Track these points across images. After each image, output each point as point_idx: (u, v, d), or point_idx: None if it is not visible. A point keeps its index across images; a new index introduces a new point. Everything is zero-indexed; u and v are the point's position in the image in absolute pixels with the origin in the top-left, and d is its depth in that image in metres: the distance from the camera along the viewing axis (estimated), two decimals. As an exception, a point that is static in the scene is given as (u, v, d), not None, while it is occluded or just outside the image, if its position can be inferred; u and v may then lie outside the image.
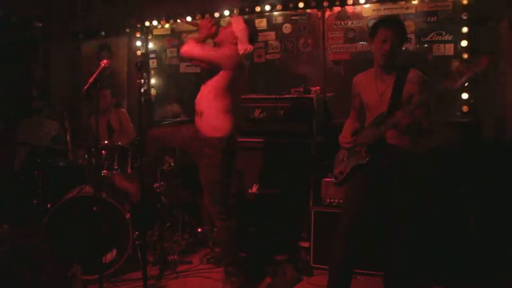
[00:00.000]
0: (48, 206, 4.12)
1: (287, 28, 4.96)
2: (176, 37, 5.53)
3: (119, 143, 4.11)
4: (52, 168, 4.36)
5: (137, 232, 3.85)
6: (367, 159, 2.90)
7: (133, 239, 3.78)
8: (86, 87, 3.15)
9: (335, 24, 4.75)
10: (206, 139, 3.33)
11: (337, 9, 4.71)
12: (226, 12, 5.14)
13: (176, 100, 5.53)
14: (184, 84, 5.45)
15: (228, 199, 3.44)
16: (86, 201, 3.74)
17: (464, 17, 4.20)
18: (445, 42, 4.31)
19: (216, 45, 3.45)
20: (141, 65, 3.24)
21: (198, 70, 5.12)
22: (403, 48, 3.93)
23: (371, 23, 3.74)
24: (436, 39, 4.34)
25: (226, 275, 3.45)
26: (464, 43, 4.20)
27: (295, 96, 4.32)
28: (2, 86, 5.96)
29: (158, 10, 5.51)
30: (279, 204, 4.16)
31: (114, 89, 5.14)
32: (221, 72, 3.26)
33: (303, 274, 3.78)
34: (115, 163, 4.02)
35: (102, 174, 3.95)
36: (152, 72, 5.68)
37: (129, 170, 4.09)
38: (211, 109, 3.32)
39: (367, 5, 4.58)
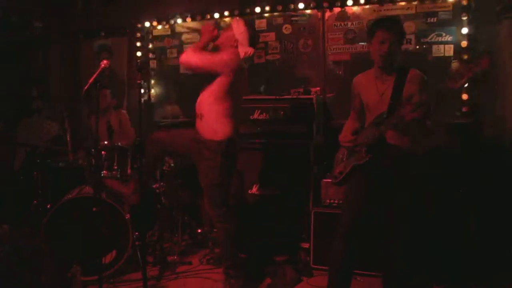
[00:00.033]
0: (48, 206, 4.12)
1: (287, 29, 4.96)
2: (176, 38, 5.52)
3: (119, 143, 4.10)
4: (52, 168, 4.35)
5: (136, 233, 3.85)
6: (367, 159, 2.90)
7: (133, 240, 3.78)
8: (86, 87, 3.15)
9: (335, 25, 4.75)
10: (205, 142, 3.33)
11: (337, 10, 4.71)
12: (226, 13, 5.14)
13: (176, 101, 5.53)
14: (184, 84, 5.45)
15: (227, 201, 3.44)
16: (86, 202, 3.75)
17: (464, 18, 4.20)
18: (445, 43, 4.32)
19: (216, 48, 3.45)
20: (141, 66, 3.25)
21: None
22: (403, 48, 3.96)
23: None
24: (436, 40, 4.35)
25: (226, 276, 3.46)
26: (464, 44, 4.20)
27: (295, 96, 4.32)
28: (2, 86, 5.96)
29: (158, 11, 5.51)
30: (279, 204, 4.17)
31: (114, 89, 5.13)
32: (220, 77, 3.27)
33: (303, 275, 3.78)
34: (115, 164, 4.01)
35: (102, 174, 3.94)
36: (152, 72, 5.67)
37: (129, 171, 4.08)
38: (211, 112, 3.33)
39: (367, 6, 4.58)
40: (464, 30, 4.19)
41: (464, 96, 4.19)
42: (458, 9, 4.24)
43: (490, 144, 4.09)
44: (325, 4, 4.69)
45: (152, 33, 5.65)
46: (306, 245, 4.00)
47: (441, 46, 4.33)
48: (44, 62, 6.00)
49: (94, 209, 3.34)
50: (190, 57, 3.32)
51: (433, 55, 4.35)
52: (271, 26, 5.02)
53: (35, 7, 5.88)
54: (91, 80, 3.13)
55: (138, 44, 5.67)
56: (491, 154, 3.96)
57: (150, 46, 5.66)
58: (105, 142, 4.02)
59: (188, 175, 4.21)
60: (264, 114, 4.32)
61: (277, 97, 4.33)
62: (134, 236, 3.82)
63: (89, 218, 3.59)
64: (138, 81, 3.21)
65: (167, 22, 5.51)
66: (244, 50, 3.33)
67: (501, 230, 3.68)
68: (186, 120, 4.59)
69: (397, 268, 2.97)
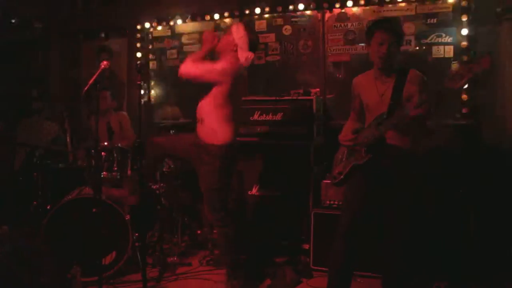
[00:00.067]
0: (48, 207, 4.12)
1: (287, 30, 4.96)
2: (176, 39, 5.53)
3: (119, 144, 4.10)
4: (51, 169, 4.35)
5: (136, 234, 3.85)
6: (367, 159, 2.90)
7: (132, 241, 3.78)
8: (86, 88, 3.15)
9: (335, 26, 4.75)
10: (205, 146, 3.32)
11: (337, 11, 4.71)
12: (226, 14, 5.15)
13: (176, 102, 5.53)
14: (184, 86, 5.43)
15: (226, 206, 3.44)
16: (86, 203, 3.75)
17: (464, 19, 4.19)
18: (444, 44, 4.31)
19: (217, 54, 3.44)
20: (141, 67, 3.24)
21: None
22: (402, 49, 3.96)
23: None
24: (436, 41, 4.34)
25: (227, 277, 3.46)
26: (463, 45, 4.20)
27: (295, 98, 4.33)
28: (2, 86, 5.97)
29: (158, 12, 5.52)
30: (279, 206, 4.17)
31: (114, 90, 5.13)
32: (220, 85, 3.26)
33: (302, 276, 3.78)
34: (114, 165, 4.01)
35: (102, 175, 3.94)
36: (152, 73, 5.68)
37: (129, 172, 4.08)
38: (211, 117, 3.32)
39: (367, 7, 4.58)
40: (464, 31, 4.19)
41: (464, 97, 4.19)
42: (458, 10, 4.24)
43: (490, 144, 4.09)
44: (325, 5, 4.69)
45: (152, 34, 5.65)
46: (306, 246, 4.00)
47: (441, 47, 4.33)
48: (44, 63, 6.01)
49: (94, 210, 3.35)
50: (189, 68, 3.32)
51: (433, 56, 4.35)
52: (271, 27, 5.02)
53: (35, 8, 5.88)
54: (91, 81, 3.13)
55: (138, 45, 5.67)
56: (491, 154, 3.96)
57: (150, 47, 5.66)
58: (105, 143, 4.02)
59: (188, 176, 4.21)
60: (264, 115, 4.33)
61: (277, 98, 4.33)
62: (134, 237, 3.81)
63: (89, 219, 3.59)
64: (138, 82, 3.21)
65: (167, 23, 5.51)
66: (244, 55, 3.32)
67: (501, 230, 3.69)
68: (186, 121, 4.59)
69: (397, 269, 2.97)
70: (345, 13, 4.69)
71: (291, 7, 4.84)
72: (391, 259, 2.97)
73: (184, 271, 3.97)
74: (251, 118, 4.34)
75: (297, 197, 4.11)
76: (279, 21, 4.98)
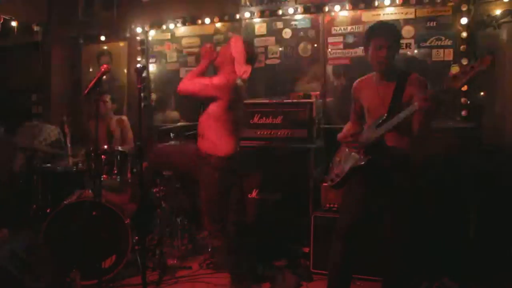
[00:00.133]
0: (48, 211, 4.12)
1: (286, 33, 4.97)
2: (176, 42, 5.54)
3: (119, 147, 4.10)
4: (51, 173, 4.35)
5: (136, 237, 3.85)
6: (366, 160, 2.89)
7: (132, 244, 3.78)
8: (86, 92, 3.15)
9: (334, 29, 4.76)
10: (206, 157, 3.31)
11: (336, 14, 4.72)
12: (226, 17, 5.16)
13: (176, 105, 5.54)
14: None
15: (226, 217, 3.43)
16: (86, 206, 3.74)
17: (464, 22, 4.20)
18: (444, 47, 4.32)
19: (215, 68, 3.44)
20: (141, 70, 3.24)
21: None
22: (402, 53, 3.97)
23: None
24: (436, 44, 4.35)
25: (231, 281, 3.46)
26: (463, 48, 4.20)
27: (294, 101, 4.33)
28: (2, 90, 5.97)
29: (158, 16, 5.53)
30: (279, 209, 4.16)
31: (114, 94, 5.14)
32: (217, 101, 3.26)
33: (302, 280, 3.77)
34: (114, 168, 4.01)
35: (102, 179, 3.94)
36: (152, 77, 5.68)
37: (128, 175, 4.08)
38: (212, 132, 3.31)
39: (367, 11, 4.59)
40: (464, 34, 4.20)
41: (464, 100, 4.19)
42: (457, 13, 4.25)
43: (490, 146, 4.09)
44: (324, 9, 4.70)
45: (152, 37, 5.66)
46: (306, 250, 3.99)
47: (441, 50, 4.33)
48: (44, 67, 6.01)
49: (93, 213, 3.34)
50: (187, 85, 3.33)
51: (433, 59, 4.36)
52: (271, 30, 5.03)
53: (36, 12, 5.89)
54: (91, 85, 3.13)
55: (138, 48, 5.68)
56: (491, 155, 3.96)
57: (150, 50, 5.67)
58: (105, 147, 4.02)
59: (188, 180, 4.21)
60: (264, 118, 4.33)
61: (277, 101, 4.33)
62: (134, 241, 3.81)
63: (89, 223, 3.58)
64: (138, 86, 3.21)
65: (167, 27, 5.51)
66: (241, 69, 3.32)
67: (501, 230, 3.68)
68: (185, 124, 4.58)
69: (397, 270, 2.96)
70: (344, 17, 4.70)
71: (291, 10, 4.84)
72: (391, 260, 2.96)
73: (184, 275, 3.96)
74: (251, 122, 4.34)
75: (297, 200, 4.11)
76: (279, 24, 4.98)
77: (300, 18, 4.90)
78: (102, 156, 3.95)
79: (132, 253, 3.79)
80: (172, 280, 3.85)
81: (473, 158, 3.94)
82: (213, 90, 3.25)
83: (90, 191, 3.94)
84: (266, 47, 5.04)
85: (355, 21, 4.67)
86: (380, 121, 2.83)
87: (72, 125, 4.79)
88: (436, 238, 3.65)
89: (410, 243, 2.93)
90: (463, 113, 4.20)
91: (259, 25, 5.07)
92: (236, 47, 3.35)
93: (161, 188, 4.37)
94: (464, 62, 4.15)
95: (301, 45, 4.91)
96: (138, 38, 5.66)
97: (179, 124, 4.61)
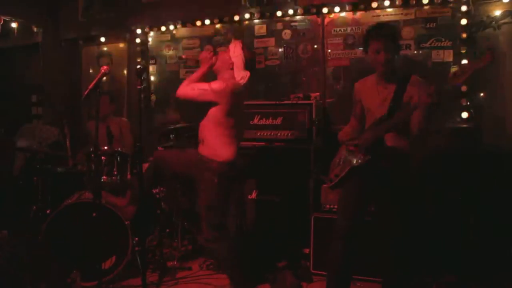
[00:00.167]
0: (48, 212, 4.11)
1: (286, 34, 4.97)
2: (176, 43, 5.54)
3: (119, 149, 4.10)
4: (51, 174, 4.35)
5: (136, 238, 3.84)
6: (365, 160, 2.89)
7: (132, 245, 3.77)
8: (86, 92, 3.15)
9: (334, 30, 4.76)
10: (207, 162, 3.31)
11: (336, 15, 4.73)
12: (226, 18, 5.16)
13: (176, 106, 5.54)
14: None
15: (224, 224, 3.43)
16: (86, 207, 3.74)
17: (463, 23, 4.21)
18: (444, 48, 4.33)
19: (215, 73, 3.44)
20: (141, 71, 3.24)
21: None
22: (402, 53, 3.97)
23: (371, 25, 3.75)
24: (436, 45, 4.36)
25: (230, 283, 3.47)
26: (463, 49, 4.21)
27: (294, 102, 4.33)
28: (2, 91, 5.97)
29: (158, 16, 5.53)
30: (279, 210, 4.16)
31: (114, 95, 5.14)
32: (217, 105, 3.26)
33: (303, 281, 3.77)
34: (114, 169, 4.01)
35: (102, 180, 3.94)
36: (152, 78, 5.69)
37: (128, 176, 4.08)
38: (211, 138, 3.32)
39: (366, 12, 4.60)
40: (464, 35, 4.20)
41: (464, 101, 4.20)
42: (457, 14, 4.25)
43: (490, 146, 4.10)
44: (324, 10, 4.70)
45: (152, 38, 5.67)
46: (306, 251, 3.99)
47: (441, 52, 4.34)
48: (44, 68, 6.01)
49: (93, 214, 3.34)
50: (186, 91, 3.33)
51: (433, 60, 4.37)
52: (271, 31, 5.04)
53: (36, 13, 5.89)
54: (91, 86, 3.12)
55: (138, 49, 5.68)
56: (490, 155, 3.96)
57: (150, 51, 5.67)
58: (105, 148, 4.02)
59: (188, 181, 4.21)
60: (264, 119, 4.33)
61: (277, 102, 4.33)
62: (134, 242, 3.80)
63: (89, 224, 3.58)
64: (138, 87, 3.21)
65: (167, 28, 5.52)
66: (240, 74, 3.31)
67: (501, 230, 3.68)
68: (185, 125, 4.58)
69: (397, 270, 2.96)
70: (344, 18, 4.71)
71: (291, 11, 4.84)
72: (391, 260, 2.96)
73: (184, 276, 3.96)
74: (251, 122, 4.35)
75: (297, 201, 4.10)
76: (279, 25, 4.99)
77: (300, 19, 4.90)
78: (102, 157, 3.95)
79: (132, 254, 3.79)
80: (172, 281, 3.85)
81: (473, 158, 3.94)
82: (211, 95, 3.24)
83: (90, 192, 3.94)
84: (266, 48, 5.05)
85: (355, 22, 4.67)
86: (381, 121, 2.84)
87: (72, 126, 4.79)
88: (436, 238, 3.65)
89: (410, 243, 2.94)
90: (463, 114, 4.21)
91: (259, 26, 5.07)
92: (235, 51, 3.35)
93: (161, 189, 4.37)
94: (464, 63, 4.15)
95: (301, 46, 4.91)
96: (138, 39, 5.66)
97: (179, 125, 4.62)
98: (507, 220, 3.66)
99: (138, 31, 5.63)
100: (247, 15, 5.03)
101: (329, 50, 4.79)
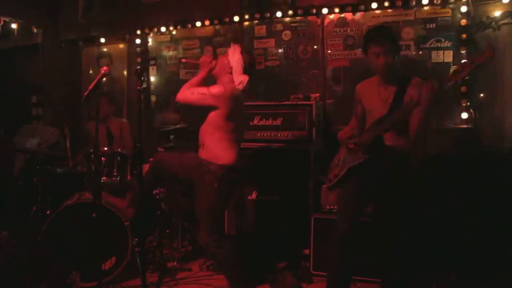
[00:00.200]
0: (48, 213, 4.11)
1: (286, 35, 4.98)
2: (175, 44, 5.54)
3: (119, 149, 4.10)
4: (51, 174, 4.35)
5: (136, 239, 3.84)
6: (364, 159, 2.89)
7: (132, 246, 3.77)
8: (85, 94, 3.15)
9: (334, 31, 4.76)
10: (207, 165, 3.30)
11: (336, 16, 4.73)
12: (226, 19, 5.16)
13: (176, 107, 5.54)
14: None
15: (222, 229, 3.42)
16: (86, 208, 3.74)
17: (463, 24, 4.21)
18: (444, 48, 4.33)
19: (214, 77, 3.43)
20: (141, 72, 3.24)
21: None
22: (402, 54, 3.97)
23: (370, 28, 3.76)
24: (435, 45, 4.36)
25: (229, 282, 3.47)
26: (463, 49, 4.21)
27: (294, 103, 4.34)
28: (2, 92, 5.97)
29: (158, 17, 5.53)
30: (279, 210, 4.16)
31: (113, 95, 5.14)
32: (217, 110, 3.25)
33: (302, 281, 3.77)
34: (114, 170, 4.01)
35: (102, 180, 3.94)
36: (152, 78, 5.69)
37: (128, 177, 4.08)
38: (211, 142, 3.31)
39: (366, 12, 4.60)
40: (463, 36, 4.21)
41: (464, 102, 4.20)
42: (457, 15, 4.26)
43: (490, 147, 4.10)
44: (324, 10, 4.71)
45: (151, 39, 5.67)
46: (306, 251, 3.99)
47: (440, 52, 4.34)
48: (44, 69, 6.01)
49: (93, 215, 3.34)
50: (186, 95, 3.33)
51: (433, 61, 4.37)
52: (271, 32, 5.04)
53: (36, 14, 5.89)
54: (91, 87, 3.12)
55: (138, 50, 5.68)
56: (490, 156, 3.97)
57: (150, 52, 5.67)
58: (105, 148, 4.02)
59: (188, 182, 4.20)
60: (264, 120, 4.34)
61: (277, 103, 4.34)
62: (134, 242, 3.80)
63: (89, 224, 3.57)
64: (138, 87, 3.21)
65: (167, 29, 5.52)
66: (239, 78, 3.30)
67: (501, 230, 3.69)
68: (185, 126, 4.59)
69: (397, 270, 2.96)
70: (344, 18, 4.71)
71: (290, 12, 4.85)
72: (390, 260, 2.96)
73: (184, 276, 3.96)
74: (250, 123, 4.35)
75: (297, 202, 4.10)
76: (279, 26, 4.99)
77: (300, 20, 4.90)
78: (102, 158, 3.95)
79: (132, 255, 3.79)
80: (172, 282, 3.85)
81: (473, 158, 3.94)
82: (211, 99, 3.23)
83: (89, 193, 3.94)
84: (266, 49, 5.05)
85: (355, 23, 4.68)
86: (380, 121, 2.85)
87: (72, 127, 4.78)
88: (436, 238, 3.65)
89: (409, 243, 2.94)
90: (463, 114, 4.21)
91: (259, 27, 5.07)
92: (234, 56, 3.34)
93: (161, 190, 4.37)
94: (464, 61, 4.16)
95: (301, 47, 4.92)
96: (137, 40, 5.66)
97: (179, 126, 4.62)
98: (507, 220, 3.66)
99: (138, 32, 5.63)
100: (247, 16, 5.03)
101: (329, 51, 4.79)
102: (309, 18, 4.86)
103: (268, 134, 4.31)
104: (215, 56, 3.47)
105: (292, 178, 4.13)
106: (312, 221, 3.89)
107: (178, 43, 5.53)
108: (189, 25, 5.37)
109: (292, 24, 4.94)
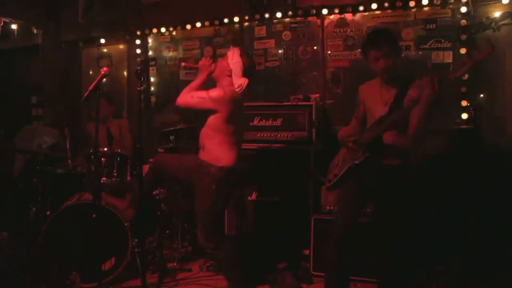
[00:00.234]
0: (48, 213, 4.11)
1: (286, 36, 4.98)
2: (175, 45, 5.54)
3: (119, 150, 4.10)
4: (51, 175, 4.34)
5: (136, 240, 3.84)
6: (363, 158, 2.89)
7: (132, 247, 3.77)
8: (85, 94, 3.15)
9: (334, 31, 4.77)
10: (207, 167, 3.30)
11: (336, 16, 4.74)
12: (226, 20, 5.17)
13: (176, 108, 5.53)
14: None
15: (220, 231, 3.41)
16: (85, 209, 3.74)
17: (463, 24, 4.22)
18: (444, 49, 4.33)
19: (214, 80, 3.43)
20: (141, 73, 3.24)
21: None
22: (402, 55, 3.97)
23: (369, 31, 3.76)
24: (435, 46, 4.36)
25: (228, 283, 3.47)
26: (463, 50, 4.21)
27: (294, 103, 4.34)
28: (2, 93, 5.98)
29: (158, 18, 5.53)
30: (279, 211, 4.16)
31: (112, 96, 5.14)
32: (217, 113, 3.25)
33: (302, 282, 3.77)
34: (114, 171, 4.01)
35: (102, 181, 3.94)
36: (152, 79, 5.69)
37: (128, 178, 4.08)
38: (211, 145, 3.31)
39: (366, 13, 4.60)
40: (463, 37, 4.21)
41: (464, 103, 4.21)
42: (457, 15, 4.26)
43: (490, 145, 4.10)
44: (324, 11, 4.71)
45: (151, 40, 5.67)
46: (306, 252, 3.99)
47: (440, 53, 4.34)
48: (44, 70, 6.01)
49: (93, 215, 3.34)
50: (186, 99, 3.33)
51: (433, 61, 4.37)
52: (271, 33, 5.04)
53: (36, 15, 5.90)
54: (91, 87, 3.13)
55: (138, 51, 5.69)
56: (490, 155, 3.97)
57: (150, 53, 5.67)
58: (105, 149, 4.02)
59: (188, 183, 4.20)
60: (264, 120, 4.34)
61: (277, 103, 4.34)
62: (134, 243, 3.80)
63: (89, 225, 3.58)
64: (138, 88, 3.21)
65: (167, 29, 5.52)
66: (238, 81, 3.29)
67: (501, 230, 3.69)
68: (185, 126, 4.59)
69: (396, 270, 2.96)
70: (344, 19, 4.71)
71: (290, 13, 4.85)
72: (390, 260, 2.96)
73: (184, 277, 3.96)
74: (250, 124, 4.35)
75: (297, 202, 4.10)
76: (279, 27, 4.99)
77: (300, 21, 4.91)
78: (102, 158, 3.95)
79: (132, 256, 3.79)
80: (172, 282, 3.85)
81: (473, 158, 3.94)
82: (210, 103, 3.23)
83: (89, 193, 3.94)
84: (266, 50, 5.05)
85: (355, 24, 4.68)
86: (380, 121, 2.85)
87: (71, 128, 4.78)
88: (436, 238, 3.65)
89: (409, 243, 2.94)
90: (463, 114, 4.22)
91: (259, 27, 5.08)
92: (233, 58, 3.33)
93: (161, 190, 4.36)
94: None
95: (301, 48, 4.92)
96: (137, 40, 5.66)
97: (179, 126, 4.62)
98: (507, 220, 3.67)
99: (138, 32, 5.63)
100: (247, 17, 5.03)
101: (329, 52, 4.79)
102: (309, 18, 4.87)
103: (268, 135, 4.31)
104: (214, 59, 3.48)
105: (292, 178, 4.13)
106: (312, 221, 3.89)
107: (178, 43, 5.53)
108: (189, 26, 5.37)
109: (292, 25, 4.95)
